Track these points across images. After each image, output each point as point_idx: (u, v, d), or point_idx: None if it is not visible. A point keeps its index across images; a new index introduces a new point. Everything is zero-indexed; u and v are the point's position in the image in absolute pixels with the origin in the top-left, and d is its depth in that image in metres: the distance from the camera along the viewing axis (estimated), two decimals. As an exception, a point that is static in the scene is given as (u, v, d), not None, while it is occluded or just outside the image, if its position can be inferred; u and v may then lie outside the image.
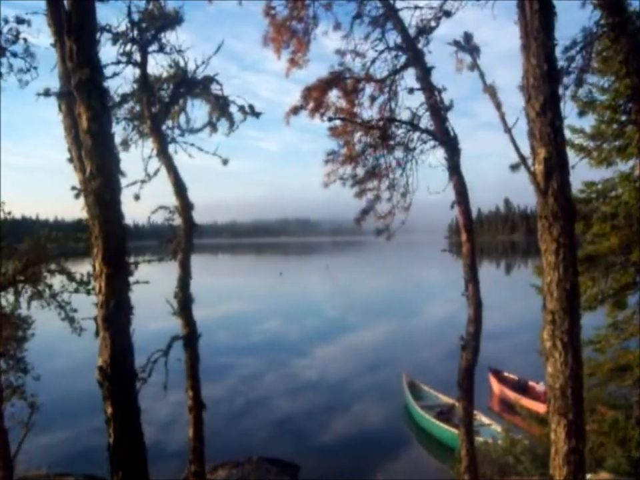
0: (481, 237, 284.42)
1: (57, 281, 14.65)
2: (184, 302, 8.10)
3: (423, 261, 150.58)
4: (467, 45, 4.88)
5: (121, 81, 9.45)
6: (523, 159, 4.46)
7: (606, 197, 18.56)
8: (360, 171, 9.19)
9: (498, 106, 4.24)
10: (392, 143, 8.98)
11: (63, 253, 14.31)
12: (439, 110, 8.53)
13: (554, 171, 4.23)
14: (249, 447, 21.27)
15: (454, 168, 8.36)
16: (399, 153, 9.12)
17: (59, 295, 14.59)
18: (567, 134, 17.85)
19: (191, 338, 8.04)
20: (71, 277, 13.82)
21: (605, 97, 18.50)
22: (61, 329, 14.95)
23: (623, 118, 18.44)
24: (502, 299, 57.27)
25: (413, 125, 8.77)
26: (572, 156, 18.48)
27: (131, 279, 8.58)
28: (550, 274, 4.39)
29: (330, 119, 8.95)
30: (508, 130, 4.27)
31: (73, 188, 7.83)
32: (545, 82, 4.13)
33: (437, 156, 8.68)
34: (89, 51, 4.10)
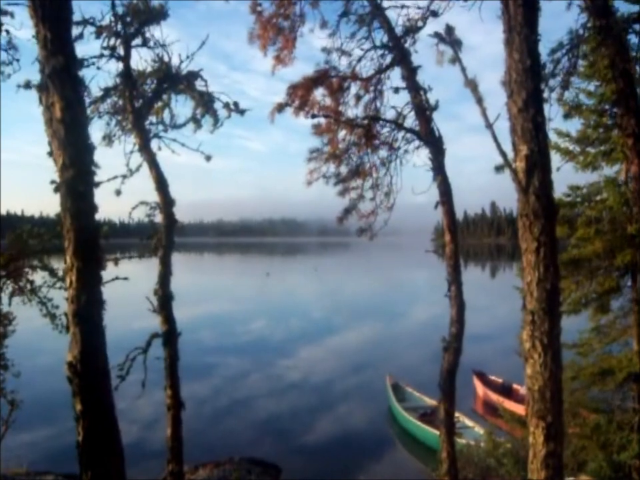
0: (467, 239, 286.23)
1: (39, 277, 14.51)
2: (164, 299, 7.99)
3: (408, 262, 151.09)
4: (449, 38, 4.84)
5: (104, 75, 9.35)
6: (504, 155, 4.41)
7: (591, 200, 18.64)
8: (343, 170, 9.15)
9: (479, 100, 4.18)
10: (376, 142, 8.93)
11: (45, 249, 14.15)
12: (424, 110, 8.49)
13: (535, 168, 4.16)
14: (231, 447, 21.18)
15: (438, 168, 8.32)
16: (383, 153, 9.09)
17: (40, 291, 14.43)
18: (553, 137, 17.92)
19: (170, 336, 7.94)
20: (53, 273, 13.66)
21: (591, 101, 18.60)
22: (42, 326, 14.80)
23: (609, 122, 18.56)
24: (487, 301, 57.57)
25: (397, 124, 8.72)
26: (557, 159, 18.60)
27: (111, 275, 8.50)
28: (530, 273, 4.32)
29: (313, 116, 8.88)
30: (489, 125, 4.22)
31: (52, 182, 7.71)
32: (527, 77, 4.06)
33: (421, 156, 8.67)
34: (64, 39, 3.99)
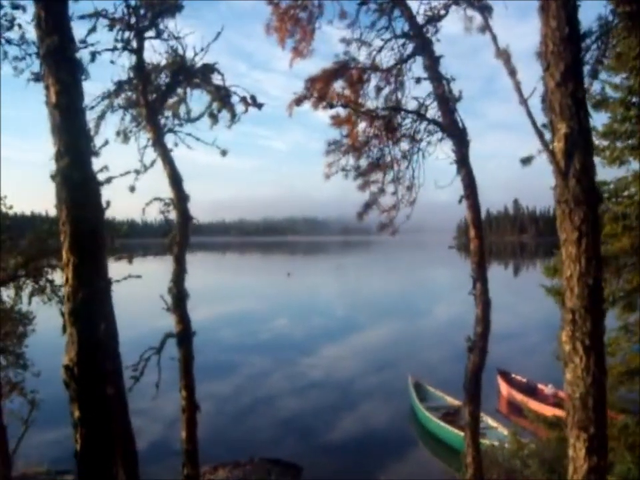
0: (490, 237, 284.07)
1: (58, 276, 14.46)
2: (178, 297, 7.76)
3: (431, 260, 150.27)
4: (477, 2, 4.47)
5: (117, 69, 9.15)
6: (540, 134, 3.99)
7: (618, 196, 18.18)
8: (363, 163, 8.83)
9: (512, 73, 3.81)
10: (397, 134, 8.61)
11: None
12: (447, 100, 8.15)
13: (576, 149, 3.75)
14: (252, 446, 21.03)
15: (462, 161, 7.97)
16: (404, 145, 8.77)
17: (60, 290, 14.38)
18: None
19: (184, 335, 7.70)
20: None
21: (618, 94, 18.14)
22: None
23: (637, 115, 18.07)
24: (510, 300, 56.89)
25: (419, 114, 8.37)
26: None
27: (124, 273, 8.29)
28: (570, 267, 3.89)
29: (332, 106, 8.57)
30: (524, 101, 3.84)
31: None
32: (566, 47, 3.67)
33: (445, 149, 8.33)
34: (59, 18, 3.73)
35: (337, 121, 8.73)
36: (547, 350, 31.94)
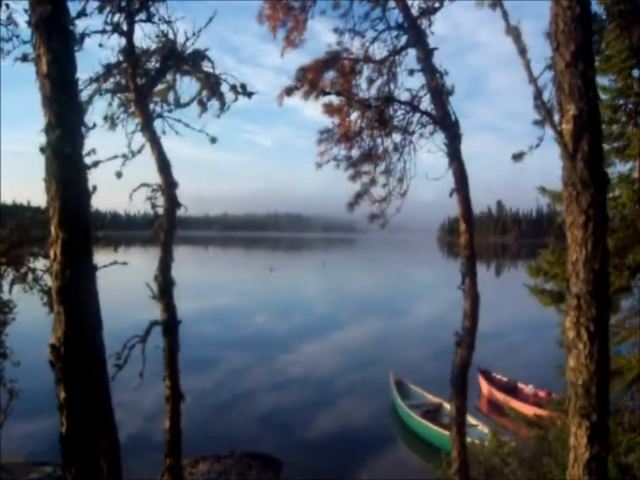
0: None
1: (40, 265, 14.27)
2: (164, 285, 7.63)
3: (414, 259, 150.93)
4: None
5: (107, 53, 8.97)
6: (549, 113, 3.90)
7: (603, 198, 18.23)
8: (355, 153, 8.75)
9: (522, 51, 3.73)
10: (390, 125, 8.53)
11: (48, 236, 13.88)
12: (440, 93, 8.09)
13: (585, 130, 3.68)
14: (232, 440, 20.88)
15: (454, 154, 7.92)
16: (396, 137, 8.69)
17: (42, 279, 14.20)
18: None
19: (170, 324, 7.57)
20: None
21: (606, 96, 18.23)
22: (45, 315, 14.52)
23: (624, 118, 18.19)
24: (492, 300, 57.15)
25: (412, 106, 8.30)
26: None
27: (109, 260, 8.16)
28: (576, 251, 3.81)
29: (325, 93, 8.47)
30: (533, 80, 3.77)
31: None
32: (577, 27, 3.61)
33: (437, 142, 8.26)
34: (52, -16, 3.62)
35: (329, 109, 8.64)
36: (528, 350, 32.09)
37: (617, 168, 18.00)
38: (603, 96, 18.08)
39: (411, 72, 8.49)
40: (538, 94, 3.83)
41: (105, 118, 9.51)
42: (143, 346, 7.27)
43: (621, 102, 17.89)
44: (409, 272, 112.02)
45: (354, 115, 8.64)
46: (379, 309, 58.77)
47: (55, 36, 3.55)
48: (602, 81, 17.93)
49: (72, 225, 3.22)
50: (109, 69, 9.07)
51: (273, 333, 46.52)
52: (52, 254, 3.24)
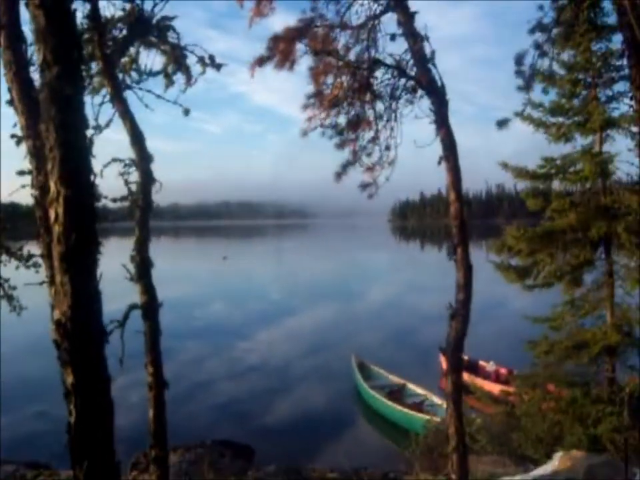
0: (424, 220, 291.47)
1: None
2: (142, 266, 7.13)
3: (365, 243, 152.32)
4: None
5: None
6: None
7: (565, 172, 18.42)
8: (342, 120, 8.35)
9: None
10: (376, 90, 8.17)
11: (2, 228, 13.23)
12: (424, 58, 7.76)
13: None
14: (197, 431, 20.63)
15: (442, 120, 7.60)
16: (380, 105, 8.32)
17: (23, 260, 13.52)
18: (527, 109, 17.62)
19: (150, 307, 7.09)
20: (10, 252, 12.74)
21: (565, 71, 18.31)
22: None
23: (584, 92, 18.30)
24: (447, 282, 57.81)
25: (399, 69, 7.94)
26: (530, 131, 18.33)
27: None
28: None
29: (316, 53, 8.04)
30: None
31: (13, 136, 6.75)
32: None
33: (422, 108, 7.92)
34: None
35: (315, 72, 8.20)
36: (483, 328, 32.47)
37: (579, 142, 18.16)
38: (562, 71, 18.17)
39: (393, 37, 8.11)
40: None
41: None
42: (122, 331, 6.78)
43: (581, 76, 18.00)
44: (364, 256, 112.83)
45: (339, 79, 8.23)
46: (335, 294, 59.04)
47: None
48: (562, 55, 18.00)
49: (75, 180, 2.75)
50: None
51: (230, 322, 46.21)
52: (52, 214, 2.76)
